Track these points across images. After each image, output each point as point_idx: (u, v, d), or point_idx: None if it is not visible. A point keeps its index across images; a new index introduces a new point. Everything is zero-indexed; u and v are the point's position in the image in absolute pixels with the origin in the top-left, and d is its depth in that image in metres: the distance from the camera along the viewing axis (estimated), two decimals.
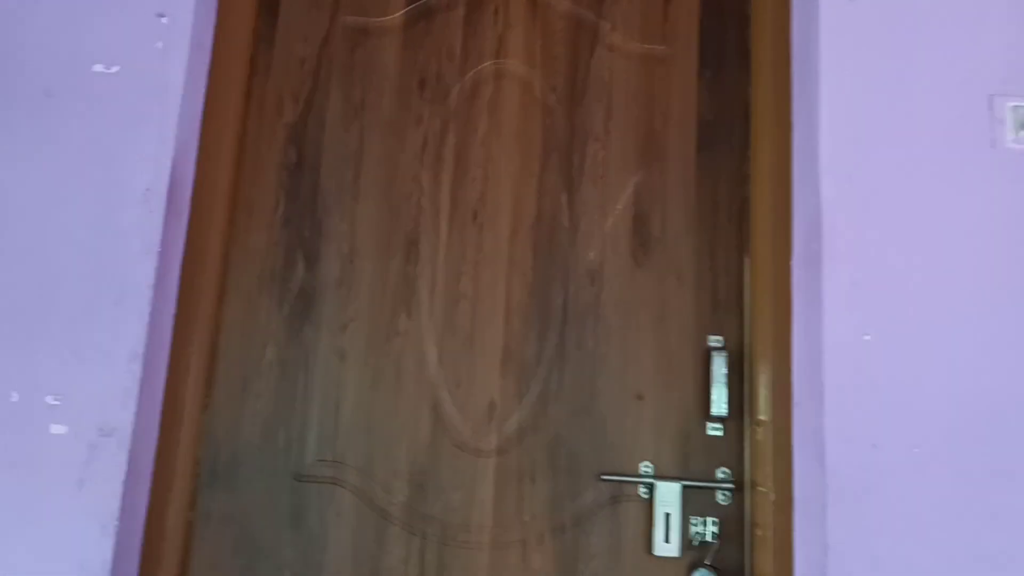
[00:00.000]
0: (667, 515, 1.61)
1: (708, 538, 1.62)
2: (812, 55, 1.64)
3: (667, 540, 1.60)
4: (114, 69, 1.56)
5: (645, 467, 1.64)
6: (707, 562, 1.60)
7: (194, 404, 1.59)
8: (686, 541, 1.61)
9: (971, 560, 1.41)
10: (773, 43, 1.77)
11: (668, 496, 1.62)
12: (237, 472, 1.60)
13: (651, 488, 1.63)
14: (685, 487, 1.63)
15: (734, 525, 1.63)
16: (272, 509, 1.59)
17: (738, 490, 1.64)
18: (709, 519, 1.62)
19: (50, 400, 1.43)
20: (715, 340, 1.70)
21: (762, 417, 1.63)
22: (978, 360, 1.49)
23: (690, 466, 1.65)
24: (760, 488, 1.61)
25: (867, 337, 1.49)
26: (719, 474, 1.65)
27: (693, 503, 1.63)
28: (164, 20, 1.60)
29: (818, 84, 1.61)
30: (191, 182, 1.63)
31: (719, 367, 1.66)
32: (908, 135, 1.58)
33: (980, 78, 1.61)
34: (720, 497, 1.64)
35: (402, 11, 1.81)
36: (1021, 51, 1.62)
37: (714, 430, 1.67)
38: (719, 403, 1.65)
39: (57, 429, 1.41)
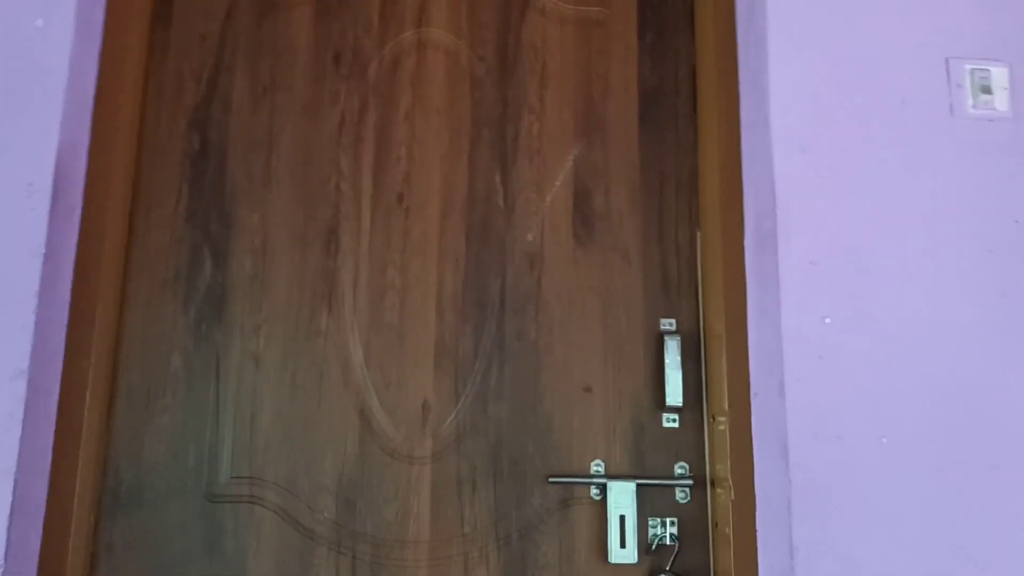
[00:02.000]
0: (622, 518, 1.48)
1: (667, 541, 1.49)
2: (758, 16, 1.51)
3: (623, 545, 1.47)
4: None
5: (596, 466, 1.51)
6: (667, 568, 1.48)
7: (93, 423, 1.42)
8: (644, 545, 1.49)
9: (948, 557, 1.29)
10: (716, 2, 1.63)
11: (622, 497, 1.49)
12: (143, 496, 1.44)
13: (604, 489, 1.50)
14: (640, 486, 1.50)
15: (695, 525, 1.51)
16: (183, 534, 1.43)
17: (698, 486, 1.51)
18: (668, 520, 1.50)
19: None
20: (667, 323, 1.57)
21: (720, 407, 1.50)
22: (947, 341, 1.37)
23: (645, 463, 1.52)
24: (720, 486, 1.49)
25: (828, 320, 1.37)
26: (677, 470, 1.52)
27: (650, 503, 1.50)
28: None
29: (766, 49, 1.48)
30: (83, 176, 1.46)
31: (672, 353, 1.53)
32: (863, 103, 1.45)
33: (936, 40, 1.49)
34: (679, 495, 1.51)
35: None
36: (978, 10, 1.49)
37: (670, 422, 1.54)
38: (674, 392, 1.52)
39: None
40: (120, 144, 1.51)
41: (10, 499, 1.25)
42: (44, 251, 1.33)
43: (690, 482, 1.50)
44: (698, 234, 1.60)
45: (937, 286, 1.39)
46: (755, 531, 1.40)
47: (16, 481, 1.26)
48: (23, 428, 1.28)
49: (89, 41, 1.48)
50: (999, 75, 1.48)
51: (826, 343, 1.36)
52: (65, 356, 1.40)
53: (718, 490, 1.49)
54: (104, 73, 1.50)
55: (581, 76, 1.65)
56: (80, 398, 1.41)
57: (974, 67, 1.48)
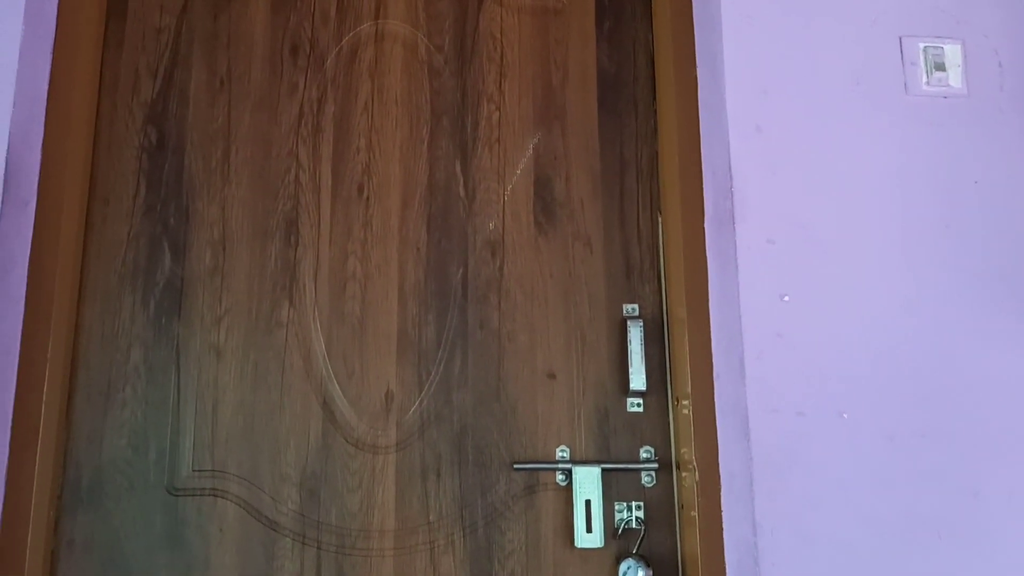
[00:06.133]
0: (587, 502, 1.47)
1: (634, 524, 1.49)
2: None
3: (589, 530, 1.46)
4: None
5: (561, 452, 1.51)
6: (634, 551, 1.47)
7: (51, 419, 1.40)
8: (610, 529, 1.48)
9: (906, 527, 1.30)
10: None
11: (587, 482, 1.48)
12: (103, 491, 1.42)
13: (569, 474, 1.49)
14: (605, 470, 1.49)
15: (662, 508, 1.50)
16: (145, 529, 1.42)
17: (664, 469, 1.51)
18: (634, 504, 1.49)
19: None
20: (630, 309, 1.57)
21: (684, 390, 1.50)
22: (901, 315, 1.37)
23: (611, 447, 1.52)
24: (685, 469, 1.48)
25: (786, 298, 1.37)
26: (643, 454, 1.52)
27: (616, 487, 1.50)
28: None
29: (720, 31, 1.49)
30: (36, 169, 1.45)
31: (636, 338, 1.53)
32: (817, 82, 1.46)
33: (889, 18, 1.51)
34: (645, 479, 1.51)
35: None
36: None
37: (634, 406, 1.54)
38: (638, 377, 1.52)
39: None
40: (75, 138, 1.50)
41: None
42: None
43: (655, 465, 1.50)
44: (659, 218, 1.61)
45: (892, 261, 1.39)
46: (720, 512, 1.40)
47: None
48: None
49: (40, 34, 1.47)
50: (952, 52, 1.49)
51: (785, 321, 1.37)
52: (21, 351, 1.39)
53: (683, 473, 1.49)
54: (57, 67, 1.49)
55: (540, 65, 1.65)
56: (37, 394, 1.40)
57: (928, 45, 1.49)
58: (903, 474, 1.31)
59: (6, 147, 1.35)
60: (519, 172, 1.60)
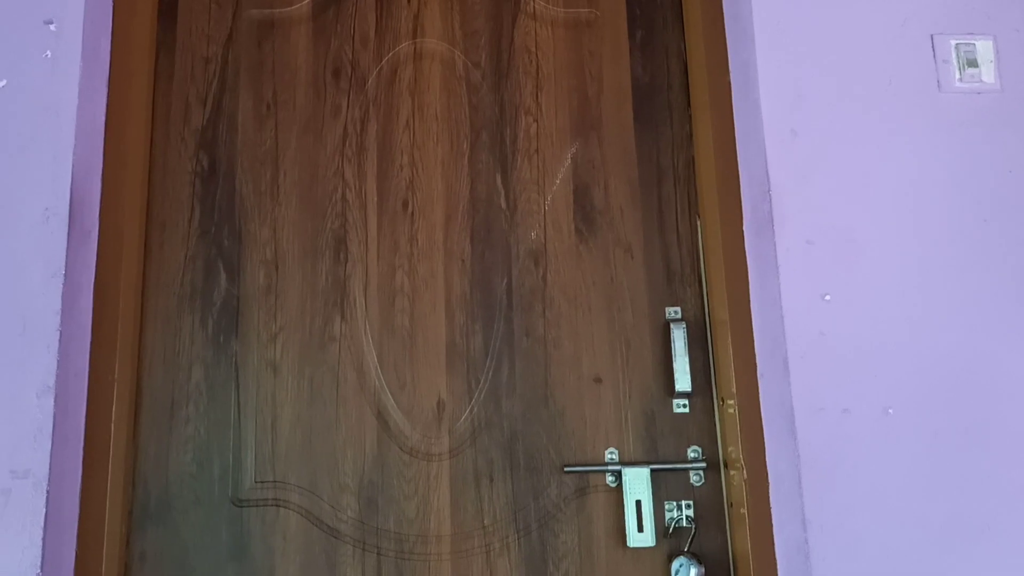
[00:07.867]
0: (638, 503, 1.51)
1: (684, 523, 1.52)
2: (744, 5, 1.54)
3: (640, 530, 1.50)
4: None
5: (611, 454, 1.54)
6: (686, 549, 1.50)
7: (120, 437, 1.47)
8: (661, 529, 1.51)
9: (954, 523, 1.31)
10: None
11: (637, 482, 1.51)
12: (171, 505, 1.48)
13: (619, 475, 1.53)
14: (654, 471, 1.52)
15: (711, 506, 1.53)
16: (212, 540, 1.47)
17: (712, 468, 1.54)
18: (683, 503, 1.52)
19: None
20: (673, 312, 1.60)
21: (729, 390, 1.53)
22: (945, 310, 1.39)
23: (658, 448, 1.55)
24: (733, 467, 1.51)
25: (827, 297, 1.39)
26: (690, 454, 1.55)
27: (665, 487, 1.53)
28: (52, 27, 1.48)
29: (752, 36, 1.51)
30: (98, 199, 1.51)
31: (679, 340, 1.56)
32: (850, 83, 1.48)
33: (920, 17, 1.52)
34: (693, 478, 1.54)
35: None
36: None
37: (680, 407, 1.57)
38: (683, 378, 1.55)
39: None
40: (132, 167, 1.57)
41: (44, 511, 1.30)
42: (64, 272, 1.38)
43: (703, 465, 1.53)
44: (698, 223, 1.64)
45: (933, 257, 1.41)
46: (769, 510, 1.43)
47: (48, 494, 1.31)
48: (52, 443, 1.33)
49: (96, 70, 1.53)
50: (984, 48, 1.50)
51: (826, 320, 1.39)
52: (90, 373, 1.45)
53: (731, 471, 1.52)
54: (113, 100, 1.56)
55: (575, 76, 1.69)
56: (106, 413, 1.46)
57: (959, 42, 1.50)
58: (949, 470, 1.33)
59: (70, 180, 1.41)
60: (558, 182, 1.64)
